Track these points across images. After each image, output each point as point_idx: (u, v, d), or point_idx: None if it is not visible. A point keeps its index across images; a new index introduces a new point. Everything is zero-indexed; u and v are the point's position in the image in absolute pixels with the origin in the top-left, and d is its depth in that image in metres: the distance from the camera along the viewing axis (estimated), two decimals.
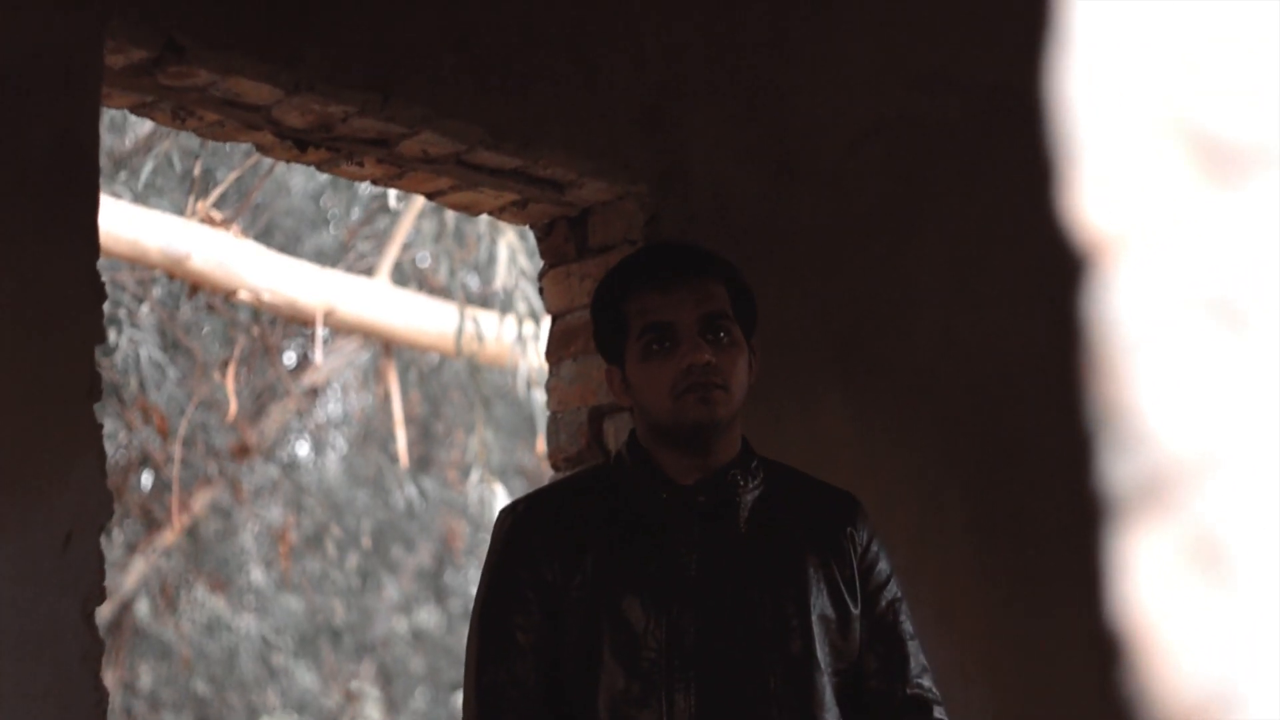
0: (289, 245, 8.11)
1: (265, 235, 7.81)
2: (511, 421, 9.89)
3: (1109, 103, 0.71)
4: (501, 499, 7.20)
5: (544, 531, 2.45)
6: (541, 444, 6.19)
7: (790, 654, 2.40)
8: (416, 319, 7.02)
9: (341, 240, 8.41)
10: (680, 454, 2.45)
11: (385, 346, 7.43)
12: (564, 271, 3.41)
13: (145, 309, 7.30)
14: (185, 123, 2.88)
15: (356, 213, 8.26)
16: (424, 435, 10.17)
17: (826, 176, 3.59)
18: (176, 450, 7.26)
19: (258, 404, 8.55)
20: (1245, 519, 0.65)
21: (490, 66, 3.08)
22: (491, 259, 7.14)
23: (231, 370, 7.02)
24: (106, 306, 2.97)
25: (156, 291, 7.31)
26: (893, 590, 2.51)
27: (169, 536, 8.09)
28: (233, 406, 6.93)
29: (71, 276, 2.50)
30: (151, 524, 8.20)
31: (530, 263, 6.77)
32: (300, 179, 8.44)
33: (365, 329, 6.97)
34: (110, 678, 8.00)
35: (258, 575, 9.09)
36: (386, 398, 7.79)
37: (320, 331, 6.60)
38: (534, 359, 6.64)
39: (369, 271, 7.21)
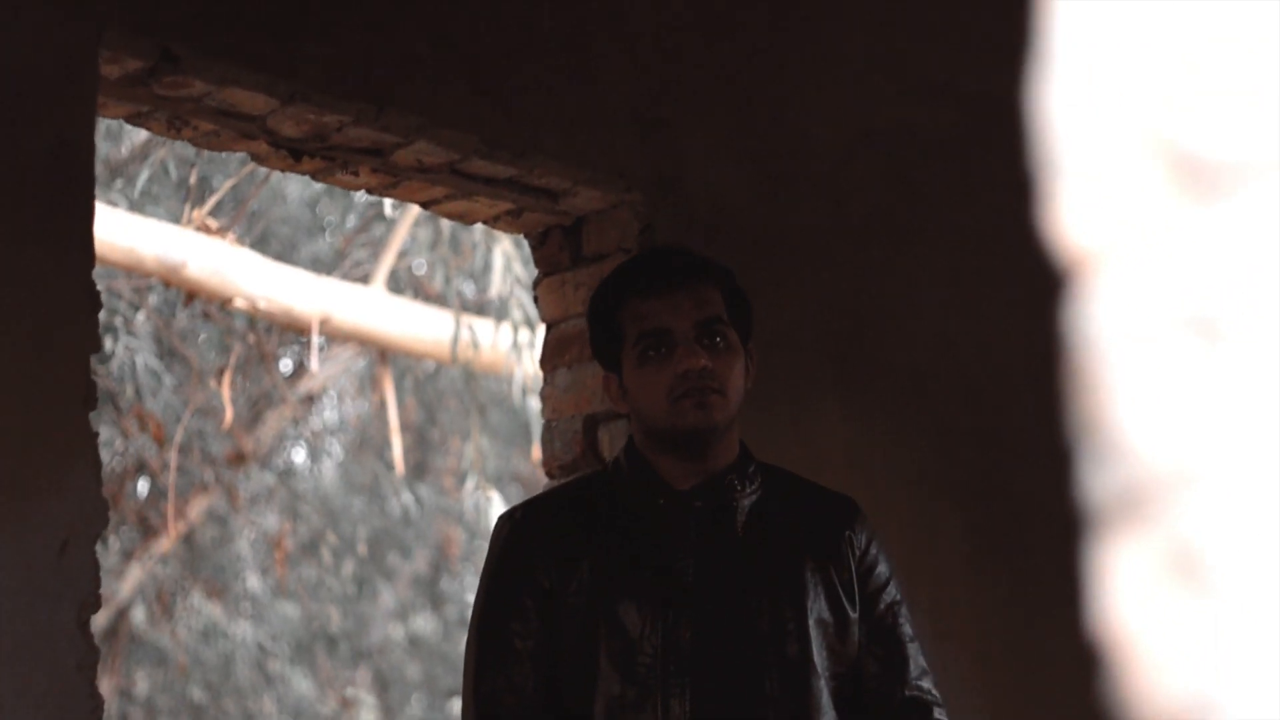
0: (285, 253, 8.11)
1: (261, 243, 7.81)
2: (507, 429, 9.89)
3: (1088, 118, 0.72)
4: (497, 506, 7.20)
5: (541, 538, 2.45)
6: (537, 451, 6.19)
7: (786, 658, 2.41)
8: (412, 326, 7.02)
9: (337, 248, 8.41)
10: (677, 459, 2.46)
11: (381, 354, 7.43)
12: (558, 280, 3.41)
13: (141, 317, 7.30)
14: (180, 132, 2.89)
15: (352, 220, 8.28)
16: (420, 442, 10.17)
17: (821, 183, 3.59)
18: (172, 457, 7.26)
19: (254, 411, 8.56)
20: (1222, 532, 0.66)
21: (484, 76, 3.09)
22: (487, 267, 7.15)
23: (227, 378, 7.03)
24: (102, 314, 2.98)
25: (152, 299, 7.31)
26: (892, 593, 2.52)
27: (165, 543, 8.09)
28: (229, 414, 6.93)
29: (67, 285, 2.51)
30: (148, 531, 8.20)
31: (526, 270, 6.77)
32: (296, 187, 8.45)
33: (361, 336, 6.98)
34: (106, 685, 8.00)
35: (254, 582, 9.08)
36: (382, 405, 7.79)
37: (316, 339, 6.60)
38: (529, 366, 6.65)
39: (365, 279, 7.21)
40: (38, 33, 2.53)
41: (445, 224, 7.29)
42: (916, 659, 2.50)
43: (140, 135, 7.06)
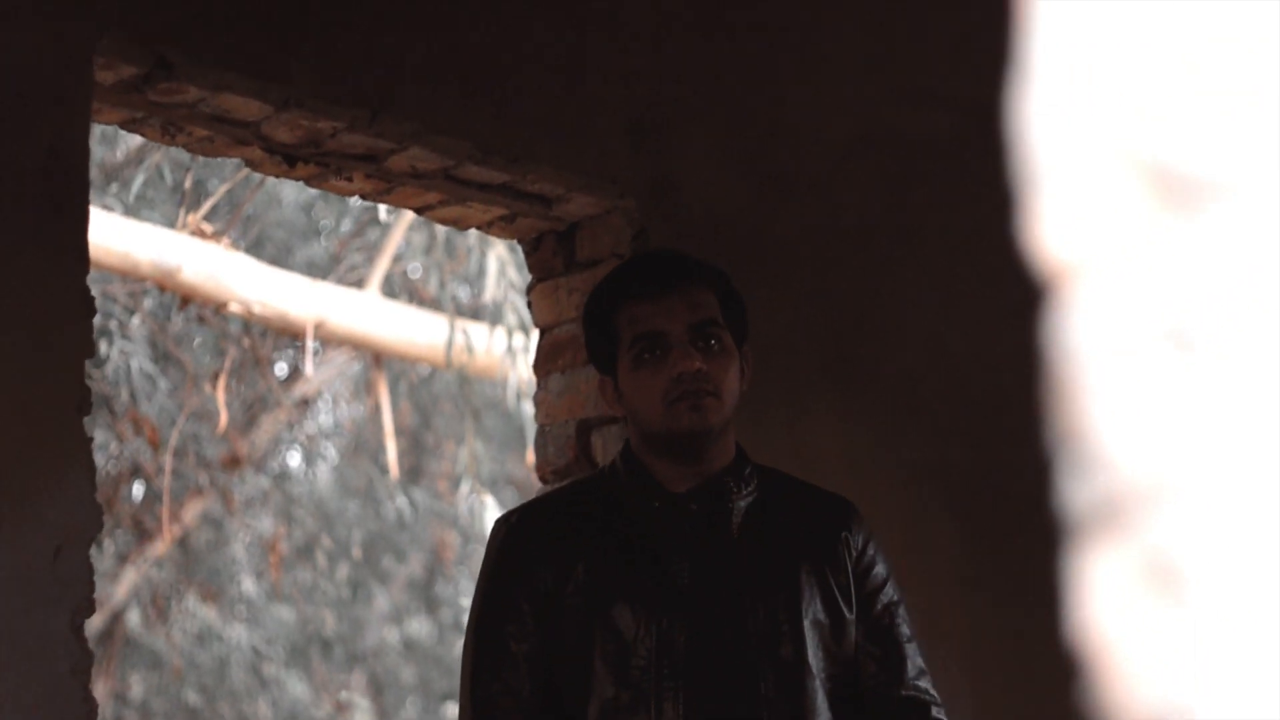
0: (280, 257, 8.12)
1: (256, 247, 7.82)
2: (502, 433, 9.89)
3: (1068, 130, 0.73)
4: (492, 510, 7.20)
5: (537, 541, 2.46)
6: (532, 455, 6.20)
7: (781, 659, 2.41)
8: (407, 331, 7.03)
9: (332, 252, 8.42)
10: (673, 462, 2.46)
11: (376, 358, 7.44)
12: (552, 285, 3.42)
13: (136, 321, 7.30)
14: (175, 138, 2.90)
15: (347, 225, 8.27)
16: (414, 446, 10.18)
17: (815, 189, 3.60)
18: (167, 461, 7.26)
19: (249, 415, 8.56)
20: (1199, 542, 0.67)
21: (478, 82, 3.10)
22: (481, 271, 7.15)
23: (222, 382, 7.03)
24: (97, 319, 2.98)
25: (148, 303, 7.31)
26: (890, 593, 2.52)
27: (160, 547, 8.09)
28: (223, 418, 6.94)
29: (62, 290, 2.52)
30: (142, 534, 8.20)
31: (520, 275, 6.78)
32: (291, 191, 8.45)
33: (356, 340, 6.98)
34: (101, 688, 8.00)
35: (249, 585, 9.08)
36: (377, 409, 7.80)
37: (311, 343, 6.61)
38: (524, 371, 6.65)
39: (359, 283, 7.21)
40: (33, 39, 2.54)
41: (440, 229, 7.30)
42: (914, 659, 2.50)
43: (135, 139, 7.06)
